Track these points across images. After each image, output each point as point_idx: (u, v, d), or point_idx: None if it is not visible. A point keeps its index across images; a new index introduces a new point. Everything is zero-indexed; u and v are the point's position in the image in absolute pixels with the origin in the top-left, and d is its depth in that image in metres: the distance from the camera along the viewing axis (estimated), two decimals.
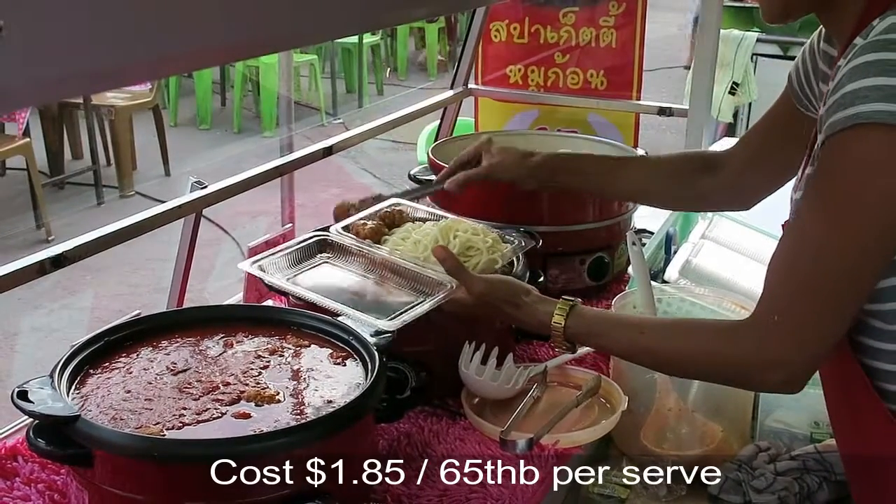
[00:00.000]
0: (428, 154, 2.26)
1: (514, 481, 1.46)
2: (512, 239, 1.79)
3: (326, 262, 1.70)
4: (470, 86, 2.91)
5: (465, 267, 1.53)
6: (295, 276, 1.65)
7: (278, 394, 1.36)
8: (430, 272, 1.59)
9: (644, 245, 2.35)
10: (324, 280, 1.65)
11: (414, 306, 1.53)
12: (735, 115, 6.08)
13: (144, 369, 1.42)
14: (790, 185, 1.44)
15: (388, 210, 1.85)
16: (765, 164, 1.58)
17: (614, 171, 1.83)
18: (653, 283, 2.00)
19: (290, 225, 2.31)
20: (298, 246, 1.70)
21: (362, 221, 1.77)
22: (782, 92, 1.52)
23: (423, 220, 1.85)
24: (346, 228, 1.75)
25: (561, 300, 1.43)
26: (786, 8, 1.29)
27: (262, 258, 1.65)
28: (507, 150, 1.84)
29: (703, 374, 1.44)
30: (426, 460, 1.51)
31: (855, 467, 1.39)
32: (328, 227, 1.78)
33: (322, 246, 1.72)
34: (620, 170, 1.85)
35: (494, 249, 1.73)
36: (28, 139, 5.89)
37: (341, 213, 1.82)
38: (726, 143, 4.35)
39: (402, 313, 1.50)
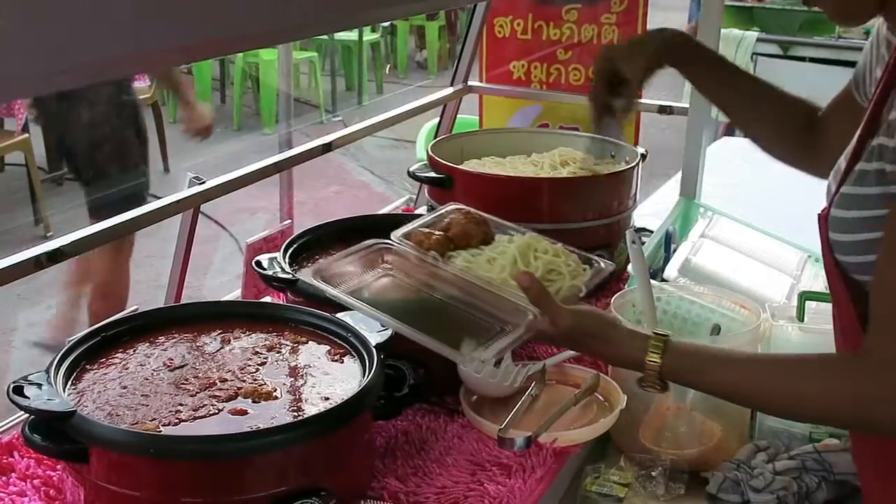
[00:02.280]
0: (427, 151, 2.26)
1: (511, 479, 1.46)
2: (592, 261, 1.62)
3: (389, 275, 1.53)
4: (470, 83, 2.90)
5: (551, 297, 1.37)
6: (358, 289, 1.48)
7: (275, 390, 1.36)
8: (508, 295, 1.44)
9: (643, 243, 2.34)
10: (389, 298, 1.50)
11: (496, 337, 1.38)
12: None
13: (141, 365, 1.41)
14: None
15: (454, 218, 1.65)
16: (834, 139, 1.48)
17: (734, 80, 1.66)
18: (652, 281, 2.00)
19: (289, 221, 2.31)
20: (359, 254, 1.55)
21: (426, 230, 1.59)
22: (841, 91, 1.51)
23: (482, 232, 1.64)
24: (406, 237, 1.58)
25: (653, 335, 1.31)
26: (852, 8, 1.25)
27: (319, 268, 1.48)
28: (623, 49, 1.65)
29: (821, 416, 1.32)
30: (424, 458, 1.51)
31: (871, 462, 1.37)
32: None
33: (383, 255, 1.56)
34: (742, 83, 1.67)
35: (576, 274, 1.57)
36: (27, 135, 5.87)
37: None
38: (726, 143, 4.35)
39: (488, 346, 1.35)
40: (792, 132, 1.61)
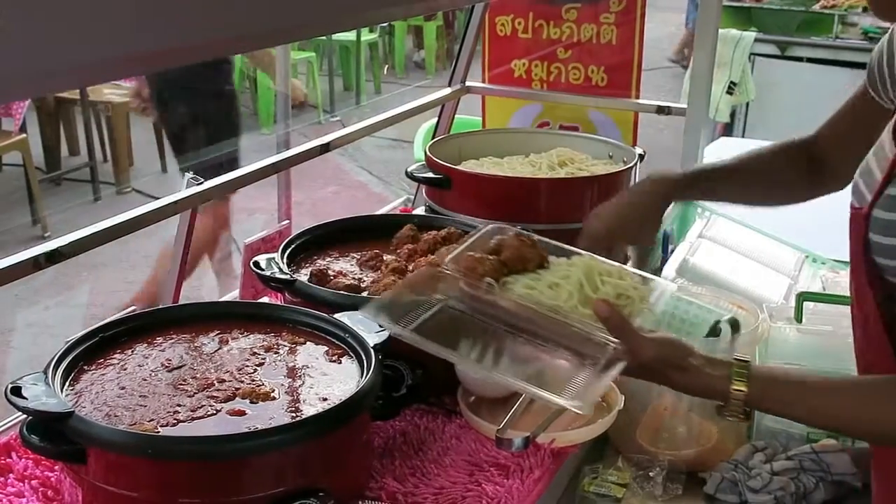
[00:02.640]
0: (425, 152, 2.26)
1: (509, 480, 1.46)
2: (648, 280, 1.51)
3: (447, 309, 1.43)
4: (468, 83, 2.90)
5: (632, 326, 1.29)
6: (420, 325, 1.38)
7: (273, 391, 1.36)
8: (577, 324, 1.35)
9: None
10: (456, 334, 1.39)
11: (580, 373, 1.31)
12: (732, 115, 6.08)
13: (139, 366, 1.41)
14: None
15: (504, 240, 1.52)
16: (848, 148, 1.48)
17: (728, 187, 1.69)
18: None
19: (287, 222, 2.31)
20: (412, 284, 1.48)
21: (477, 255, 1.47)
22: (856, 92, 1.49)
23: (538, 255, 1.51)
24: (455, 262, 1.47)
25: (734, 361, 1.26)
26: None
27: (380, 304, 1.38)
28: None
29: None
30: (422, 458, 1.51)
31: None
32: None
33: (435, 282, 1.46)
34: (735, 180, 1.69)
35: (643, 296, 1.46)
36: (25, 135, 5.88)
37: None
38: (724, 143, 4.35)
39: (583, 389, 1.26)
40: (796, 179, 1.62)
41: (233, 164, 3.60)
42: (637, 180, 2.25)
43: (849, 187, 1.33)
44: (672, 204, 1.68)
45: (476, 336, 1.38)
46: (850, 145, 1.47)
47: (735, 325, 1.74)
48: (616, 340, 1.29)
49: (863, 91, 1.47)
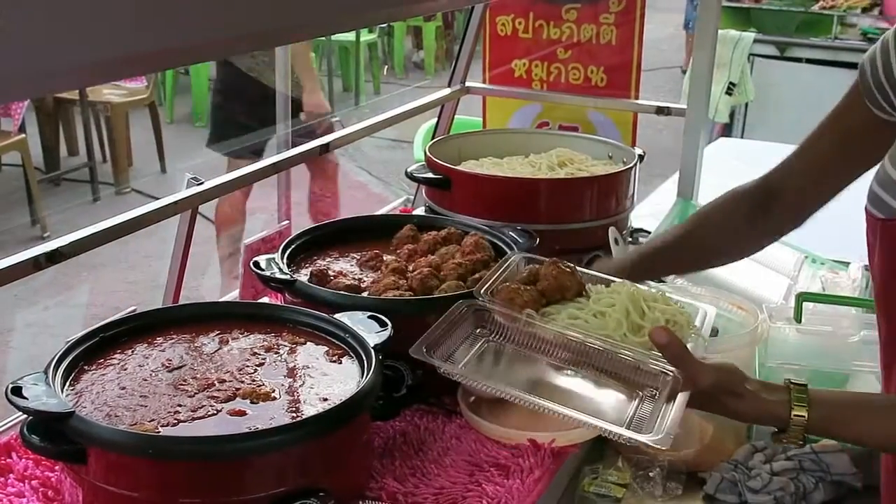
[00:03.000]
0: (425, 152, 2.26)
1: (509, 480, 1.46)
2: (690, 304, 1.48)
3: (489, 342, 1.42)
4: (468, 83, 2.91)
5: (691, 354, 1.26)
6: (470, 363, 1.38)
7: (274, 391, 1.36)
8: (627, 353, 1.33)
9: (633, 242, 2.35)
10: (505, 371, 1.38)
11: (642, 404, 1.30)
12: (732, 116, 6.09)
13: (139, 366, 1.41)
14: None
15: (540, 269, 1.50)
16: (829, 172, 1.47)
17: (681, 257, 1.68)
18: (650, 282, 2.01)
19: (287, 222, 2.31)
20: (453, 321, 1.44)
21: (515, 285, 1.44)
22: (847, 94, 1.42)
23: (577, 283, 1.48)
24: (492, 294, 1.45)
25: (791, 386, 1.24)
26: None
27: (426, 344, 1.37)
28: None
29: None
30: (422, 458, 1.51)
31: None
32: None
33: (473, 316, 1.44)
34: (686, 252, 1.67)
35: (689, 320, 1.42)
36: (24, 135, 5.87)
37: None
38: (723, 143, 4.35)
39: (655, 424, 1.25)
40: (746, 229, 1.59)
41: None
42: (636, 180, 2.25)
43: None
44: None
45: (525, 370, 1.36)
46: (821, 177, 1.46)
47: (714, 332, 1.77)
48: (670, 369, 1.27)
49: (847, 108, 1.42)
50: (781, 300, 2.08)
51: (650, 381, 1.30)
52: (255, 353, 1.46)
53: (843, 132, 1.44)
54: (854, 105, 1.39)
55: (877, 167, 1.31)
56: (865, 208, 1.30)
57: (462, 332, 1.40)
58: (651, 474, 1.56)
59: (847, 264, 2.31)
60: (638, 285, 1.47)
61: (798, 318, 1.80)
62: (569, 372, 1.35)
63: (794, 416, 1.21)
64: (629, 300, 1.39)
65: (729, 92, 5.87)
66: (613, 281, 1.48)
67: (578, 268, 1.52)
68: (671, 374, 1.29)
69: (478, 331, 1.41)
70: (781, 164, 1.54)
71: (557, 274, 1.45)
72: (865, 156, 1.38)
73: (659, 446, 1.21)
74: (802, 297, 1.82)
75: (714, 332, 1.78)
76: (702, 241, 1.64)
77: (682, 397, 1.26)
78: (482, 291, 1.42)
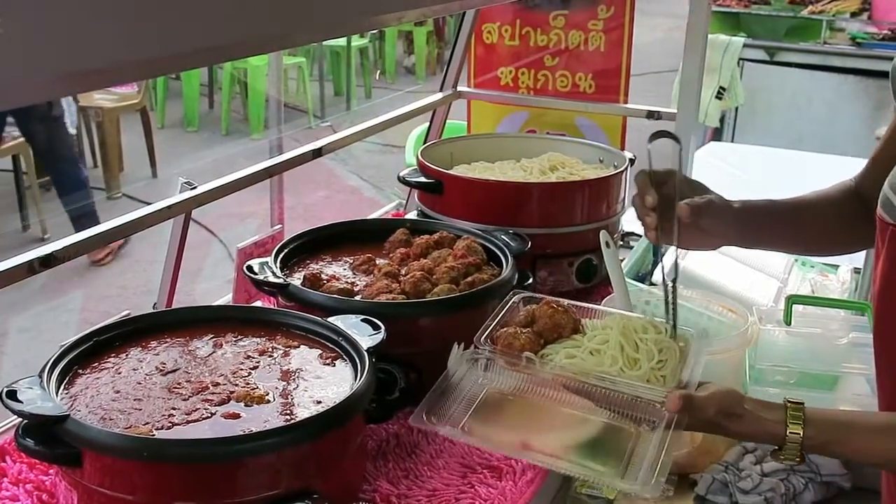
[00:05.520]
0: (417, 157, 2.27)
1: (502, 482, 1.47)
2: (682, 330, 1.48)
3: (491, 390, 1.42)
4: (459, 88, 2.92)
5: (694, 398, 1.27)
6: (473, 420, 1.37)
7: (268, 394, 1.36)
8: (624, 387, 1.34)
9: (631, 247, 2.36)
10: (510, 422, 1.38)
11: (649, 436, 1.30)
12: (722, 120, 6.11)
13: (134, 369, 1.42)
14: None
15: (535, 310, 1.51)
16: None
17: (792, 225, 1.57)
18: (641, 285, 2.02)
19: (280, 226, 2.31)
20: (455, 374, 1.43)
21: (512, 330, 1.46)
22: None
23: (572, 320, 1.49)
24: (490, 340, 1.46)
25: (788, 404, 1.25)
26: None
27: (427, 406, 1.36)
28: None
29: None
30: (415, 461, 1.52)
31: None
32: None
33: (476, 364, 1.44)
34: (798, 224, 1.57)
35: (682, 345, 1.44)
36: (23, 139, 5.85)
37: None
38: (713, 148, 4.37)
39: (643, 465, 1.26)
40: (853, 225, 1.52)
41: None
42: (628, 184, 2.26)
43: None
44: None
45: (528, 414, 1.38)
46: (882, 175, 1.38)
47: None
48: (663, 399, 1.30)
49: None
50: (771, 303, 2.10)
51: (649, 413, 1.33)
52: (248, 357, 1.47)
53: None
54: None
55: (892, 172, 1.30)
56: (877, 213, 1.31)
57: (465, 384, 1.42)
58: None
59: (836, 267, 2.33)
60: (629, 315, 1.49)
61: (788, 321, 1.81)
62: (570, 411, 1.37)
63: (790, 433, 1.22)
64: (622, 335, 1.42)
65: (719, 96, 5.89)
66: (606, 312, 1.52)
67: (575, 303, 1.55)
68: (663, 407, 1.31)
69: (480, 381, 1.43)
70: (864, 172, 1.51)
71: (552, 313, 1.48)
72: None
73: (649, 496, 1.24)
74: (792, 300, 1.83)
75: (704, 335, 1.79)
76: (815, 223, 1.56)
77: (663, 438, 1.28)
78: (481, 340, 1.45)
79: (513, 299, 1.56)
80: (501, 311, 1.53)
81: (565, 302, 1.53)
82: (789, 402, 1.25)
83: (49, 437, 1.23)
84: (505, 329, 1.46)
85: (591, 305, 1.57)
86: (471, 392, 1.41)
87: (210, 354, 1.47)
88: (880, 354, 1.36)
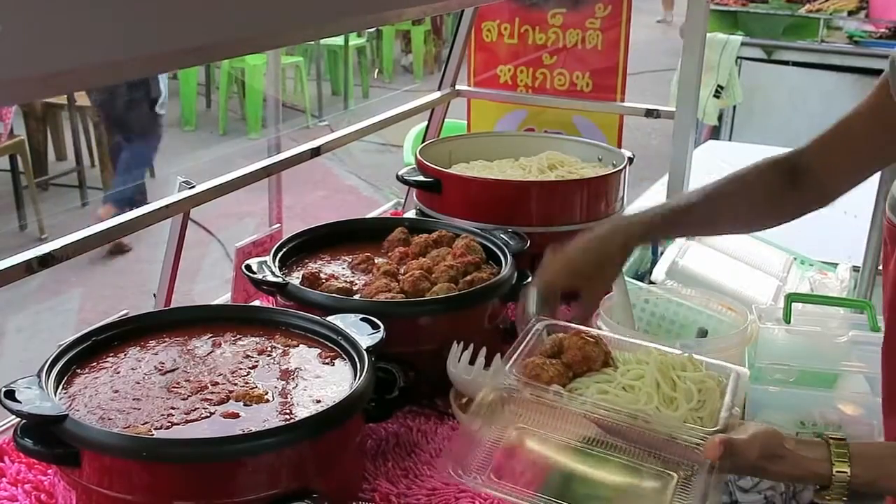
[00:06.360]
0: (415, 156, 2.27)
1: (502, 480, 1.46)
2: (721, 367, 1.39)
3: (521, 429, 1.33)
4: (458, 87, 2.91)
5: (735, 443, 1.19)
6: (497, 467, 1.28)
7: (267, 393, 1.36)
8: (660, 427, 1.25)
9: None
10: (538, 464, 1.30)
11: (676, 488, 1.22)
12: (720, 118, 6.11)
13: (132, 369, 1.41)
14: None
15: (564, 339, 1.42)
16: (861, 153, 1.43)
17: (711, 213, 1.60)
18: (640, 283, 2.02)
19: (278, 226, 2.31)
20: (481, 413, 1.33)
21: (539, 360, 1.37)
22: (877, 84, 1.39)
23: (603, 353, 1.40)
24: (517, 370, 1.37)
25: (831, 440, 1.18)
26: None
27: (454, 458, 1.28)
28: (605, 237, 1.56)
29: None
30: (414, 460, 1.51)
31: None
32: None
33: (501, 402, 1.34)
34: (718, 212, 1.60)
35: (720, 383, 1.35)
36: (22, 137, 5.83)
37: None
38: (711, 146, 4.37)
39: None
40: (779, 197, 1.55)
41: None
42: (626, 183, 2.26)
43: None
44: (636, 248, 1.61)
45: (556, 458, 1.30)
46: (852, 157, 1.43)
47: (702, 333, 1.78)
48: (702, 441, 1.22)
49: (878, 98, 1.40)
50: (771, 301, 2.10)
51: (687, 454, 1.24)
52: (247, 356, 1.47)
53: (875, 121, 1.42)
54: (880, 88, 1.38)
55: None
56: (885, 214, 1.30)
57: (493, 424, 1.33)
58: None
59: (835, 266, 2.33)
60: (665, 350, 1.40)
61: (787, 319, 1.81)
62: (601, 452, 1.29)
63: (837, 472, 1.16)
64: (658, 371, 1.34)
65: (717, 95, 5.89)
66: (639, 345, 1.43)
67: (602, 332, 1.47)
68: (700, 448, 1.22)
69: (507, 419, 1.33)
70: (815, 140, 1.50)
71: (582, 345, 1.39)
72: (877, 137, 1.37)
73: None
74: (791, 298, 1.83)
75: (704, 334, 1.79)
76: (730, 204, 1.58)
77: (704, 483, 1.20)
78: (507, 368, 1.36)
79: (535, 326, 1.48)
80: (524, 338, 1.44)
81: (595, 332, 1.45)
82: (831, 438, 1.19)
83: (47, 437, 1.23)
84: (532, 359, 1.37)
85: (622, 338, 1.48)
86: (501, 431, 1.32)
87: (209, 354, 1.47)
88: (890, 367, 1.34)
